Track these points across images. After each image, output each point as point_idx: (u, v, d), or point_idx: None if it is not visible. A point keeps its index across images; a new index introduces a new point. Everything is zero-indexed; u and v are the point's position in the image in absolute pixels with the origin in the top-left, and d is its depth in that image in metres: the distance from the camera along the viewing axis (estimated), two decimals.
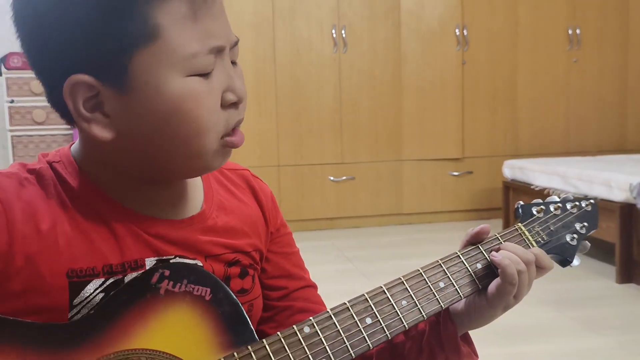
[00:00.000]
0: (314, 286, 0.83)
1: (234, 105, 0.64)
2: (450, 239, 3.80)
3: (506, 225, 3.80)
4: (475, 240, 0.76)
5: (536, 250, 0.75)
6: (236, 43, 0.64)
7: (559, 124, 4.48)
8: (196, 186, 0.72)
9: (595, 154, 4.31)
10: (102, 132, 0.60)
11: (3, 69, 3.89)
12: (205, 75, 0.60)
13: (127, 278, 0.63)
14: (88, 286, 0.61)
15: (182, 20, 0.58)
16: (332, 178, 4.19)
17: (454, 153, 4.33)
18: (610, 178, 2.82)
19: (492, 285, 0.71)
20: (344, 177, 4.21)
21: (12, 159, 3.92)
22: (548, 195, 2.25)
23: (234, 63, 0.65)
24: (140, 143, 0.61)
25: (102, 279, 0.62)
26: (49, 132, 3.93)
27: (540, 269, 0.74)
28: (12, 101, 3.87)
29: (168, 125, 0.60)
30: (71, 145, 0.69)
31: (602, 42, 4.46)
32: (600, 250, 3.03)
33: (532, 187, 3.47)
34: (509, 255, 0.71)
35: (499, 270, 0.70)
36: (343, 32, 4.11)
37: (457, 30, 4.24)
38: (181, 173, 0.67)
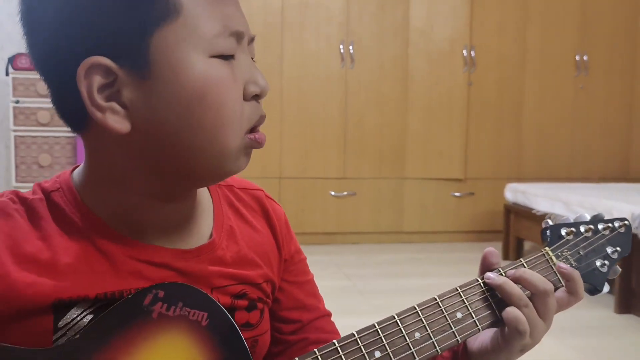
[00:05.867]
0: (328, 315, 0.79)
1: (256, 98, 0.60)
2: (450, 260, 3.78)
3: (506, 248, 3.78)
4: (485, 268, 0.68)
5: (568, 270, 0.67)
6: (253, 39, 0.62)
7: (563, 150, 4.47)
8: (206, 211, 0.68)
9: (598, 181, 4.30)
10: (118, 124, 0.55)
11: (10, 69, 3.89)
12: (228, 58, 0.57)
13: None
14: (75, 308, 0.57)
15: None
16: (333, 193, 4.18)
17: (456, 173, 4.32)
18: (613, 207, 2.80)
19: (499, 335, 0.65)
20: (345, 193, 4.19)
21: (14, 159, 3.92)
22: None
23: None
24: (158, 137, 0.56)
25: (92, 301, 0.58)
26: (52, 133, 3.93)
27: (571, 296, 0.67)
28: (17, 101, 3.87)
29: (191, 113, 0.55)
30: (74, 169, 0.65)
31: (610, 69, 4.46)
32: None
33: (533, 211, 3.46)
34: (508, 291, 0.64)
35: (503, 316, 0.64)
36: (351, 47, 4.12)
37: (464, 52, 4.25)
38: (200, 176, 0.61)
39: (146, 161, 0.58)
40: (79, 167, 0.64)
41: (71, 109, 0.57)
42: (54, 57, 0.56)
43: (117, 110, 0.55)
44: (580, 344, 2.34)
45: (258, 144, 0.61)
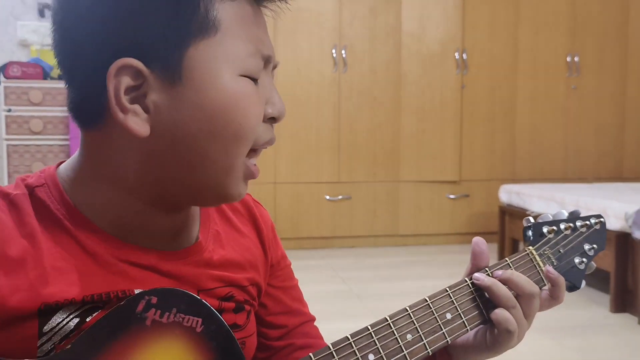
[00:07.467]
0: (312, 319, 0.80)
1: (272, 120, 0.62)
2: (446, 262, 3.78)
3: (501, 250, 3.78)
4: (475, 265, 0.69)
5: (555, 276, 0.69)
6: (276, 66, 0.64)
7: (556, 150, 4.49)
8: (193, 215, 0.67)
9: (592, 180, 4.32)
10: (138, 126, 0.55)
11: (2, 78, 3.88)
12: (255, 80, 0.58)
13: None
14: (60, 312, 0.55)
15: (242, 21, 0.57)
16: (328, 197, 4.18)
17: (451, 176, 4.33)
18: (607, 206, 2.81)
19: (487, 334, 0.66)
20: (340, 197, 4.19)
21: (7, 169, 3.90)
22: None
23: None
24: (174, 143, 0.56)
25: (78, 304, 0.56)
26: (45, 142, 3.91)
27: (553, 299, 0.70)
28: (9, 110, 3.86)
29: (213, 123, 0.56)
30: (59, 164, 0.63)
31: (601, 69, 4.49)
32: (595, 279, 3.01)
33: (528, 212, 3.46)
34: (497, 292, 0.65)
35: (492, 318, 0.65)
36: (343, 52, 4.13)
37: (457, 54, 4.26)
38: (202, 192, 0.60)
39: (154, 167, 0.58)
40: (66, 162, 0.63)
41: (90, 104, 0.57)
42: (85, 51, 0.56)
43: (139, 113, 0.55)
44: (576, 343, 2.34)
45: (252, 174, 0.61)
